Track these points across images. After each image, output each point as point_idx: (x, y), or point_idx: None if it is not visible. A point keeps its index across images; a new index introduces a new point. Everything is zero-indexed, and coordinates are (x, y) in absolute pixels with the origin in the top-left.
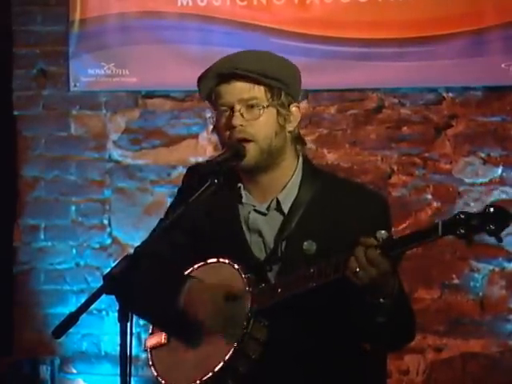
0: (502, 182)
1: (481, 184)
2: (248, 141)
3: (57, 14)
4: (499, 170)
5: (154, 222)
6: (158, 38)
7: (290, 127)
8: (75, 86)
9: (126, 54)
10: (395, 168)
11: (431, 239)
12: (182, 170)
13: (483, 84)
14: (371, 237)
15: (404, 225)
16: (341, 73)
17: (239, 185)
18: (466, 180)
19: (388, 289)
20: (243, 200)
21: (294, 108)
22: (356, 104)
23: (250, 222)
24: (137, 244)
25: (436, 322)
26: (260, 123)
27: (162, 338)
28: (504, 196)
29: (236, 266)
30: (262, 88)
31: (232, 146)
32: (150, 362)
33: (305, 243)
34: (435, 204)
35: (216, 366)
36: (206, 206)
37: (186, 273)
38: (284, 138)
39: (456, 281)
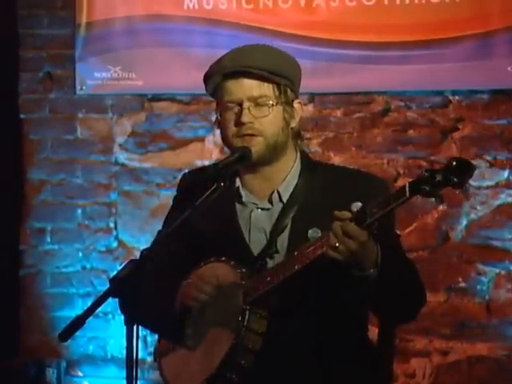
0: (508, 184)
1: (487, 187)
2: (255, 135)
3: (63, 17)
4: (506, 173)
5: (160, 226)
6: (165, 41)
7: (293, 123)
8: (81, 89)
9: (132, 58)
10: (401, 171)
11: (401, 201)
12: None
13: (490, 87)
14: (346, 210)
15: (410, 228)
16: (347, 76)
17: (237, 185)
18: (473, 183)
19: (372, 258)
20: (243, 200)
21: (296, 104)
22: (362, 107)
23: (253, 220)
24: (143, 247)
25: (442, 326)
26: (268, 120)
27: (168, 344)
28: (510, 199)
29: (231, 263)
30: (270, 85)
31: (238, 149)
32: (160, 371)
33: (309, 231)
34: (441, 207)
35: (217, 363)
36: (204, 209)
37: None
38: (287, 134)
39: (462, 284)
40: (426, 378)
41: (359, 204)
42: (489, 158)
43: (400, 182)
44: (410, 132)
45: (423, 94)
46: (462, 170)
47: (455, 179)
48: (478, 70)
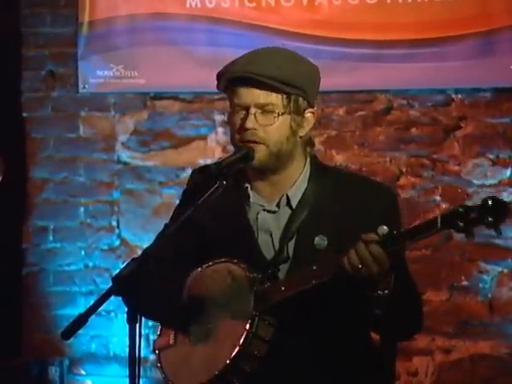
0: (511, 183)
1: (490, 185)
2: (258, 143)
3: (66, 15)
4: (508, 172)
5: (162, 224)
6: (167, 39)
7: (301, 132)
8: (84, 87)
9: (134, 56)
10: (404, 169)
11: (431, 233)
12: (190, 172)
13: (492, 85)
14: (373, 233)
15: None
16: (350, 74)
17: (246, 185)
18: (475, 181)
19: (387, 281)
20: (251, 200)
21: (308, 114)
22: (365, 105)
23: (260, 222)
24: (145, 245)
25: (445, 324)
26: (273, 129)
27: (169, 338)
28: None
29: (242, 266)
30: (279, 94)
31: (241, 148)
32: (159, 364)
33: (316, 238)
34: (444, 206)
35: (220, 365)
36: (213, 208)
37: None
38: (294, 143)
39: (465, 282)
40: (428, 376)
41: (385, 228)
42: (491, 156)
43: (402, 181)
44: (413, 130)
45: (426, 92)
46: (498, 211)
47: (490, 219)
48: (480, 68)
